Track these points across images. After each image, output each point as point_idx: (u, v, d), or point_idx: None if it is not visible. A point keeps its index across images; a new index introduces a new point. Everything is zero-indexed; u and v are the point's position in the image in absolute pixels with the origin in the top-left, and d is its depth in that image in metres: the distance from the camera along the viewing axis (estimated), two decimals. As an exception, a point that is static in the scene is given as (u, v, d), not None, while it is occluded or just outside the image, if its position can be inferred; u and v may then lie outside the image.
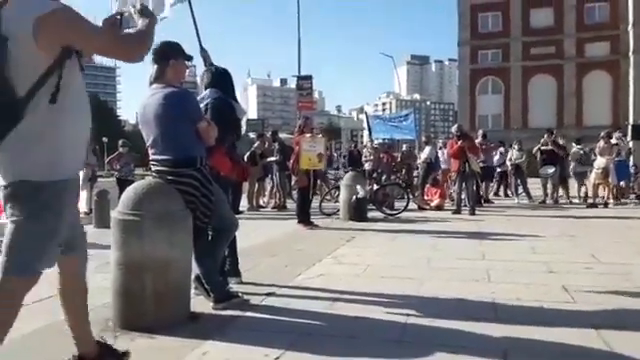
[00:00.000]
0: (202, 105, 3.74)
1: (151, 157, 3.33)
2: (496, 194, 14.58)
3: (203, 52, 4.26)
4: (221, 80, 4.03)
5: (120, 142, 11.81)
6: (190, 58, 3.52)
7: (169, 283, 3.03)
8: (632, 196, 12.03)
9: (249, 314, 3.30)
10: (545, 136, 12.39)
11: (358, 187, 8.75)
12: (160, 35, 3.50)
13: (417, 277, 4.41)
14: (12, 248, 1.96)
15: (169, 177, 3.19)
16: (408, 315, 3.25)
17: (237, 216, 4.04)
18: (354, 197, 8.77)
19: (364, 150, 13.16)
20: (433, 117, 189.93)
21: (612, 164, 11.55)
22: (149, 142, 3.30)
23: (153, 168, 3.32)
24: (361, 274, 4.60)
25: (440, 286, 4.07)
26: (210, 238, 3.47)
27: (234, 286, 3.84)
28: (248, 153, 10.11)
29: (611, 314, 3.31)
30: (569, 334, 2.90)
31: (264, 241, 6.40)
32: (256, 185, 11.18)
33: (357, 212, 8.78)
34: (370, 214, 9.27)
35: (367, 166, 12.03)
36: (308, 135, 8.21)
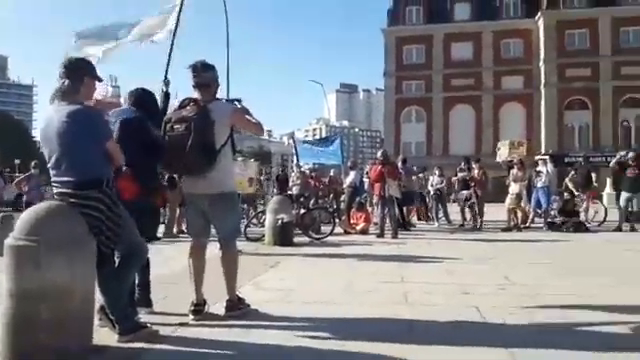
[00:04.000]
0: (114, 123, 3.65)
1: (52, 178, 3.11)
2: (419, 218, 15.02)
3: (165, 80, 4.70)
4: (142, 100, 3.94)
5: (32, 163, 11.11)
6: (101, 79, 3.38)
7: (68, 313, 2.81)
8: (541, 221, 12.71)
9: (158, 346, 3.12)
10: (462, 163, 12.99)
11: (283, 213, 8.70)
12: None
13: (337, 301, 4.40)
14: (237, 223, 4.27)
15: (72, 200, 2.99)
16: (323, 339, 3.21)
17: (155, 242, 3.88)
18: (280, 221, 8.70)
19: (292, 174, 13.19)
20: (361, 143, 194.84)
21: (525, 189, 12.27)
22: (50, 162, 3.09)
23: (55, 190, 3.10)
24: (281, 300, 4.51)
25: (359, 309, 4.06)
26: (117, 265, 3.27)
27: (144, 316, 3.63)
28: (167, 177, 9.76)
29: (521, 333, 3.44)
30: (481, 353, 2.98)
31: (181, 268, 6.13)
32: (177, 210, 10.78)
33: (283, 237, 8.71)
34: (297, 239, 9.22)
35: (294, 190, 12.03)
36: (240, 159, 8.17)
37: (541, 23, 39.70)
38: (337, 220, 11.42)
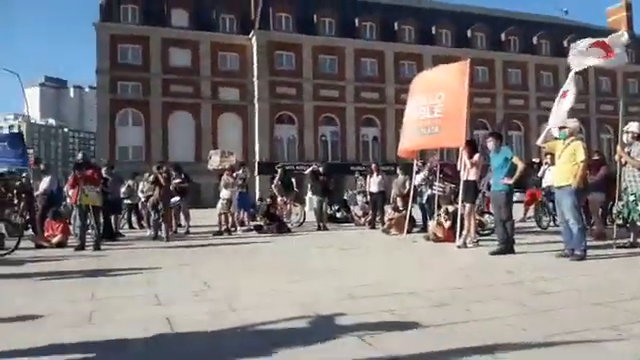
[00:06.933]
0: None
1: None
2: (131, 226, 14.26)
3: None
4: None
5: None
6: None
7: None
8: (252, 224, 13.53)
9: None
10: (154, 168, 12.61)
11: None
12: None
13: (2, 331, 3.65)
14: None
15: None
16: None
17: None
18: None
19: (-36, 180, 10.83)
20: (72, 145, 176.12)
21: (235, 195, 12.82)
22: None
23: None
24: None
25: (31, 338, 3.44)
26: None
27: None
28: None
29: (213, 339, 3.42)
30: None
31: None
32: None
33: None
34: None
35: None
36: None
37: (254, 41, 42.61)
38: (32, 233, 9.94)
